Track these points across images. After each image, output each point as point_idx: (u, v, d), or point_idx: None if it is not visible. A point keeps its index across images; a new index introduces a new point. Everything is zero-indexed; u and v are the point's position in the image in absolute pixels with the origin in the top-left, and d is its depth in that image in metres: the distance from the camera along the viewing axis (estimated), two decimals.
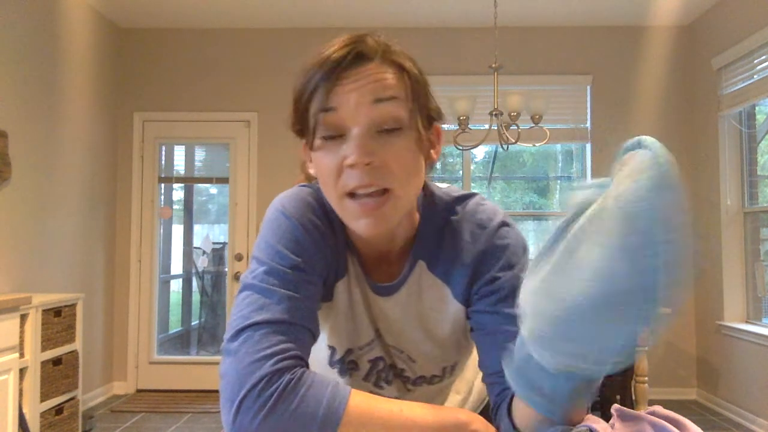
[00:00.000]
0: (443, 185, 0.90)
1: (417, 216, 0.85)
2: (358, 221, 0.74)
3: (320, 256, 0.79)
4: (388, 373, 0.92)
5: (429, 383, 0.93)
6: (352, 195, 0.73)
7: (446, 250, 0.84)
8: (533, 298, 0.48)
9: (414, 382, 0.93)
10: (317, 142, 0.75)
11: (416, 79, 0.77)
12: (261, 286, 0.73)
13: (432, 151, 0.81)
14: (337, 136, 0.73)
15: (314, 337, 0.75)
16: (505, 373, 0.58)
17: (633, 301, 0.44)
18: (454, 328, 0.86)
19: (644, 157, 0.45)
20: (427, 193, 0.86)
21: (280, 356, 0.67)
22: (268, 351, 0.67)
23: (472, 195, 0.87)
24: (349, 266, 0.85)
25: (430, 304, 0.86)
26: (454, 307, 0.85)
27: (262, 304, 0.72)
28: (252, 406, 0.63)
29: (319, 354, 0.92)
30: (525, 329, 0.50)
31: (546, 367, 0.49)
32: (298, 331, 0.72)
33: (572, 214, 0.49)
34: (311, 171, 0.82)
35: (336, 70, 0.72)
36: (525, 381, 0.53)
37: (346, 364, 0.91)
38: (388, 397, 0.93)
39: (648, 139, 0.47)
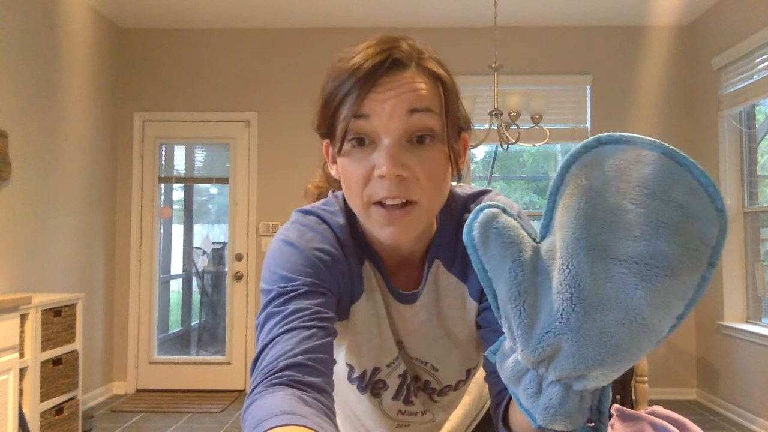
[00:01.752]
0: (459, 185, 0.89)
1: (436, 220, 0.84)
2: (382, 229, 0.73)
3: (331, 276, 0.77)
4: (414, 386, 0.91)
5: (454, 390, 0.92)
6: (378, 203, 0.72)
7: (462, 249, 0.83)
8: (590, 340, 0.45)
9: (440, 392, 0.92)
10: (346, 147, 0.73)
11: (450, 88, 0.75)
12: (269, 311, 0.73)
13: (459, 161, 0.79)
14: (367, 143, 0.72)
15: (331, 331, 0.73)
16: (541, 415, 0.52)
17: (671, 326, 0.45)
18: (472, 328, 0.86)
19: (628, 150, 0.44)
20: (448, 196, 0.84)
21: (261, 376, 0.66)
22: (256, 372, 0.67)
23: (486, 191, 0.87)
24: (369, 281, 0.84)
25: (448, 303, 0.85)
26: (471, 306, 0.84)
27: (271, 325, 0.71)
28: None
29: (339, 370, 0.90)
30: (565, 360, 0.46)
31: (590, 384, 0.47)
32: (305, 332, 0.70)
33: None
34: (332, 172, 0.81)
35: (372, 77, 0.70)
36: (563, 413, 0.49)
37: (372, 385, 0.89)
38: (416, 410, 0.92)
39: (620, 134, 0.45)
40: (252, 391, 0.65)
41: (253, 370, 0.69)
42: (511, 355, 0.51)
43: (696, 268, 0.43)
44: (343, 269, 0.80)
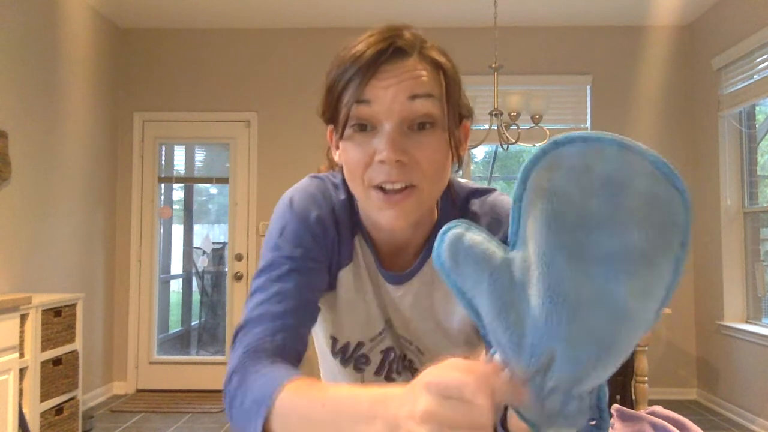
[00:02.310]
0: (461, 179, 0.90)
1: (436, 210, 0.86)
2: (381, 212, 0.75)
3: (320, 248, 0.82)
4: (398, 364, 0.92)
5: None
6: (377, 187, 0.74)
7: None
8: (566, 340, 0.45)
9: None
10: (347, 132, 0.75)
11: (451, 77, 0.77)
12: (259, 283, 0.78)
13: (459, 148, 0.81)
14: (369, 129, 0.73)
15: (312, 318, 0.79)
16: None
17: (650, 320, 0.45)
18: (464, 323, 0.86)
19: (583, 149, 0.45)
20: (448, 185, 0.86)
21: (246, 352, 0.71)
22: (239, 347, 0.72)
23: (491, 190, 0.88)
24: (357, 256, 0.86)
25: (442, 295, 0.86)
26: None
27: (257, 301, 0.76)
28: (225, 399, 0.70)
29: (323, 347, 0.93)
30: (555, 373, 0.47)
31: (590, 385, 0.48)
32: (286, 317, 0.74)
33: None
34: (336, 158, 0.83)
35: (374, 64, 0.72)
36: (574, 417, 0.50)
37: (354, 359, 0.91)
38: None
39: (576, 134, 0.46)
40: (238, 368, 0.69)
41: (235, 338, 0.74)
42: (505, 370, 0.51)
43: (669, 251, 0.44)
44: (334, 239, 0.83)
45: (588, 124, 4.69)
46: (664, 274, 0.44)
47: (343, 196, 0.85)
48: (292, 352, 0.74)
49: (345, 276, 0.86)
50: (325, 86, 0.78)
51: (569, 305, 0.44)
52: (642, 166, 0.43)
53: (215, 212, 5.53)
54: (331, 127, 0.81)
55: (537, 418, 0.49)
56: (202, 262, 5.11)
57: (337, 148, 0.80)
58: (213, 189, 5.53)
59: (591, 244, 0.44)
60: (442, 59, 0.77)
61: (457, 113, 0.78)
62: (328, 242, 0.83)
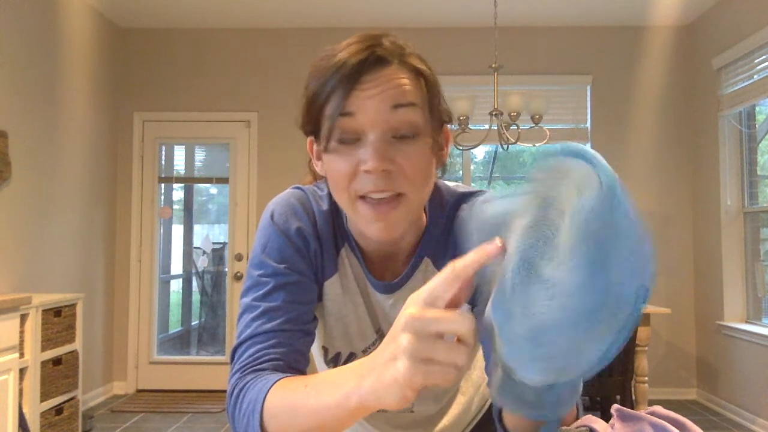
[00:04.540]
0: (450, 183, 0.90)
1: (425, 215, 0.85)
2: (370, 225, 0.74)
3: (303, 260, 0.82)
4: None
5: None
6: (364, 198, 0.73)
7: (453, 247, 0.83)
8: (506, 321, 0.47)
9: None
10: (332, 144, 0.74)
11: (432, 83, 0.77)
12: (247, 303, 0.80)
13: (441, 153, 0.81)
14: (353, 140, 0.73)
15: (306, 332, 0.80)
16: (489, 391, 0.55)
17: (607, 314, 0.43)
18: None
19: (586, 170, 0.44)
20: (435, 190, 0.86)
21: (243, 370, 0.74)
22: (236, 366, 0.75)
23: (480, 192, 0.87)
24: (344, 266, 0.86)
25: None
26: (463, 308, 0.84)
27: (247, 321, 0.78)
28: (229, 416, 0.73)
29: (316, 354, 0.94)
30: (501, 351, 0.49)
31: (526, 382, 0.48)
32: (279, 336, 0.76)
33: (492, 225, 0.50)
34: (318, 169, 0.82)
35: (355, 74, 0.71)
36: (508, 396, 0.52)
37: None
38: None
39: (587, 151, 0.45)
40: (237, 384, 0.72)
41: (232, 359, 0.77)
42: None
43: (618, 323, 0.43)
44: (316, 251, 0.84)
45: (588, 124, 4.69)
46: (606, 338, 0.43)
47: (325, 207, 0.85)
48: (291, 368, 0.74)
49: (331, 287, 0.86)
50: (304, 98, 0.77)
51: (503, 306, 0.47)
52: (614, 218, 0.43)
53: (215, 212, 5.54)
54: (311, 138, 0.80)
55: (491, 389, 0.53)
56: (202, 262, 5.11)
57: (318, 159, 0.80)
58: (213, 189, 5.53)
59: (541, 264, 0.45)
60: (421, 66, 0.76)
61: (439, 119, 0.78)
62: (310, 254, 0.83)
